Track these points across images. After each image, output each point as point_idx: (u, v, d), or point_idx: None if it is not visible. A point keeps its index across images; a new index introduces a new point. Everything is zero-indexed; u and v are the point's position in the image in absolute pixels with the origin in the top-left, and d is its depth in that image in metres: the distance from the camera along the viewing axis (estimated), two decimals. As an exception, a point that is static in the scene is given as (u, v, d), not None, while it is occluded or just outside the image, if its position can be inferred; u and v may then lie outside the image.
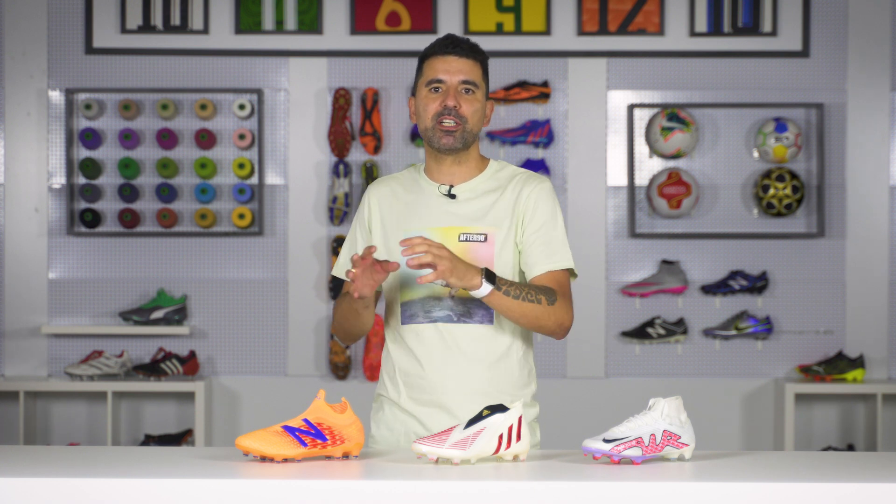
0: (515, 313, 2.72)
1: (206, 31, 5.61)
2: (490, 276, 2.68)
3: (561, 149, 5.65)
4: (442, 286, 2.76)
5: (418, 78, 2.87)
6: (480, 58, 2.85)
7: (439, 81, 2.82)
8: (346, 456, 2.52)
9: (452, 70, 2.81)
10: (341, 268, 2.95)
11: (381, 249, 2.87)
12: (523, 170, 2.91)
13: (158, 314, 5.55)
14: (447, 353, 2.80)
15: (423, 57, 2.87)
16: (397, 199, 2.89)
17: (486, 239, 2.81)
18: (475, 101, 2.83)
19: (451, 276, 2.62)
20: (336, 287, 5.57)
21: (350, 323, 2.88)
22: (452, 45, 2.83)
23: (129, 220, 5.60)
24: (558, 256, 2.82)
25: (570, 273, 2.85)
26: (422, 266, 2.61)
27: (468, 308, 2.80)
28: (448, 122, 2.80)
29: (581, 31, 5.61)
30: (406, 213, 2.86)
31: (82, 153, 5.64)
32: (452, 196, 2.85)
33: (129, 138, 5.59)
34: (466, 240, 2.80)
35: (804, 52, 5.62)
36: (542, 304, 2.73)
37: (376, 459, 2.53)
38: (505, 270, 2.81)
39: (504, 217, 2.83)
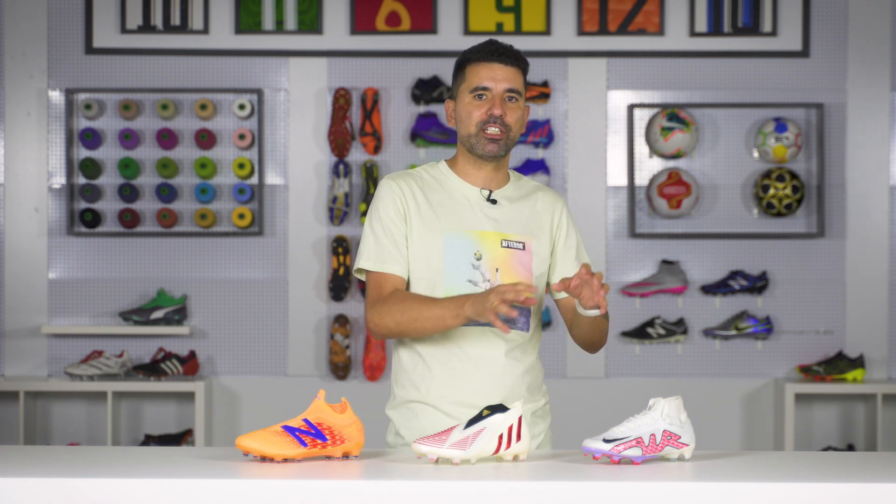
0: (598, 334, 2.83)
1: (206, 31, 5.61)
2: None
3: (561, 149, 5.65)
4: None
5: (459, 82, 2.86)
6: (523, 65, 2.87)
7: (484, 89, 2.81)
8: (346, 456, 2.52)
9: (498, 78, 2.81)
10: (375, 260, 2.82)
11: (417, 246, 2.82)
12: (536, 183, 2.97)
13: (158, 314, 5.55)
14: (490, 358, 2.81)
15: (465, 61, 2.85)
16: (427, 196, 2.86)
17: (524, 247, 2.85)
18: (518, 109, 2.84)
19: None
20: (336, 287, 5.57)
21: (421, 328, 2.75)
22: (498, 53, 2.83)
23: (129, 220, 5.60)
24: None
25: None
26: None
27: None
28: (493, 130, 2.81)
29: (581, 31, 5.61)
30: (440, 213, 2.84)
31: (82, 153, 5.64)
32: (493, 201, 2.87)
33: (129, 138, 5.59)
34: (508, 246, 2.83)
35: (804, 52, 5.62)
36: (607, 321, 2.85)
37: (376, 459, 2.53)
38: (539, 280, 2.86)
39: (536, 228, 2.87)
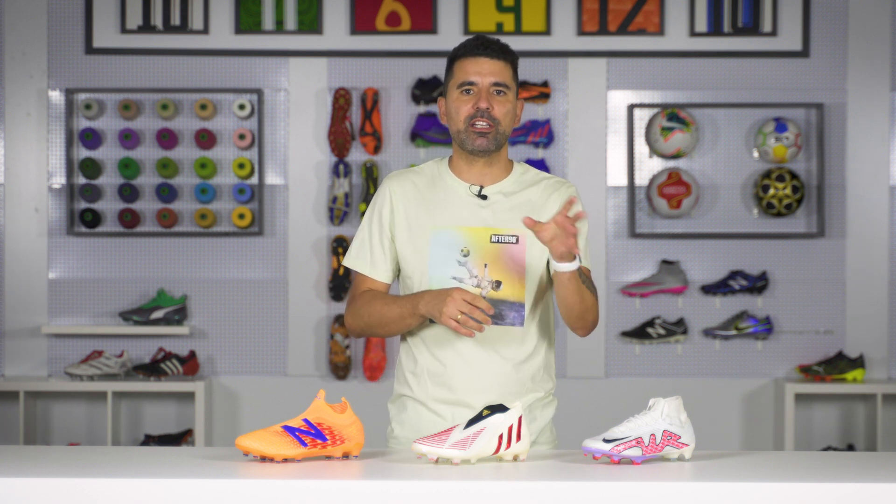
0: (577, 297, 2.73)
1: (206, 31, 5.61)
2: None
3: (561, 149, 5.65)
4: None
5: (448, 79, 2.87)
6: (511, 58, 2.85)
7: (471, 84, 2.81)
8: (346, 456, 2.52)
9: (484, 72, 2.81)
10: (355, 259, 2.90)
11: (406, 245, 2.85)
12: (548, 174, 2.94)
13: (158, 314, 5.55)
14: (479, 354, 2.80)
15: (453, 58, 2.86)
16: (421, 195, 2.87)
17: (517, 241, 2.82)
18: (507, 102, 2.83)
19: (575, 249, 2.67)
20: (336, 287, 5.57)
21: (387, 329, 2.83)
22: (483, 47, 2.82)
23: (129, 220, 5.60)
24: (585, 261, 2.90)
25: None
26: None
27: (500, 310, 2.80)
28: (481, 125, 2.81)
29: (581, 31, 5.61)
30: (433, 211, 2.85)
31: (82, 153, 5.64)
32: (483, 197, 2.86)
33: (129, 138, 5.59)
34: (498, 241, 2.81)
35: (804, 52, 5.62)
36: (594, 297, 2.81)
37: (376, 459, 2.53)
38: (535, 272, 2.83)
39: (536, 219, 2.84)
